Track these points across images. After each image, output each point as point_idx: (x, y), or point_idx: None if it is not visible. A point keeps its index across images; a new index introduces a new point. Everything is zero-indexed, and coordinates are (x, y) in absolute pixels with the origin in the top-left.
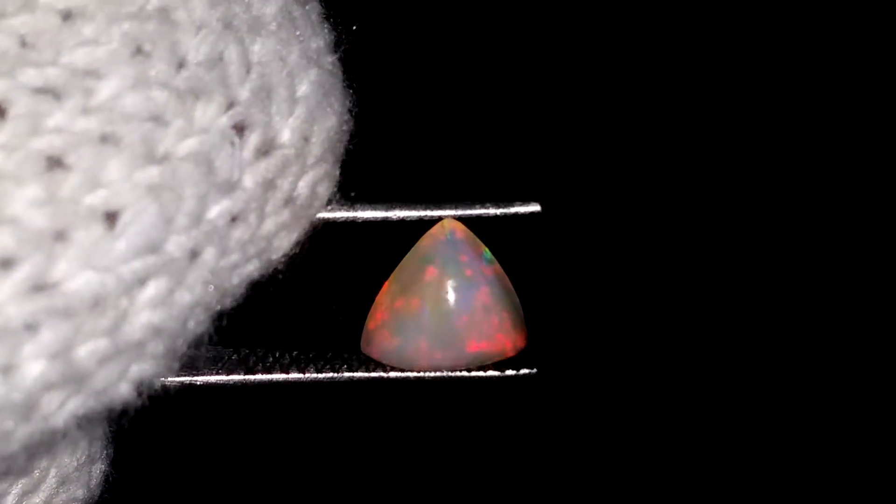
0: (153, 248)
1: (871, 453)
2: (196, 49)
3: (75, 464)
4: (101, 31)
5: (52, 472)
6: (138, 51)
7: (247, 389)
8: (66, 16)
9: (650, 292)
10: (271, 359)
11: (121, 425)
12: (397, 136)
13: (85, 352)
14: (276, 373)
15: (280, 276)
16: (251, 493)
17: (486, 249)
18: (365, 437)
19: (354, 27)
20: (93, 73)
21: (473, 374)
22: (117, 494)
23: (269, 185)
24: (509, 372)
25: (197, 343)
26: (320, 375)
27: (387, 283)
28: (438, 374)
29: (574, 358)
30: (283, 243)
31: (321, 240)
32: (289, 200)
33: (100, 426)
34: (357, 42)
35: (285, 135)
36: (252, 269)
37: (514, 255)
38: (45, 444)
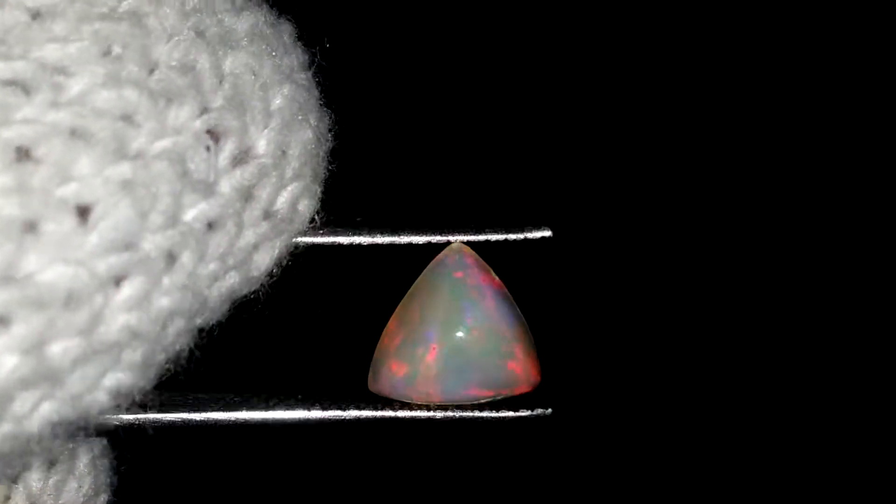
0: (128, 244)
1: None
2: (168, 54)
3: (82, 499)
4: (71, 30)
5: None
6: (109, 51)
7: (249, 429)
8: (36, 14)
9: (670, 322)
10: (275, 397)
11: (122, 464)
12: (405, 160)
13: (59, 349)
14: (280, 410)
15: (271, 299)
16: None
17: (496, 276)
18: (371, 479)
19: (328, 44)
20: (63, 70)
21: (486, 414)
22: None
23: (246, 193)
24: (523, 412)
25: (177, 359)
26: (326, 414)
27: (395, 312)
28: (449, 413)
29: (591, 396)
30: (265, 259)
31: (326, 266)
32: (268, 213)
33: (105, 458)
34: (366, 67)
35: (261, 145)
36: (232, 282)
37: (525, 282)
38: (18, 454)
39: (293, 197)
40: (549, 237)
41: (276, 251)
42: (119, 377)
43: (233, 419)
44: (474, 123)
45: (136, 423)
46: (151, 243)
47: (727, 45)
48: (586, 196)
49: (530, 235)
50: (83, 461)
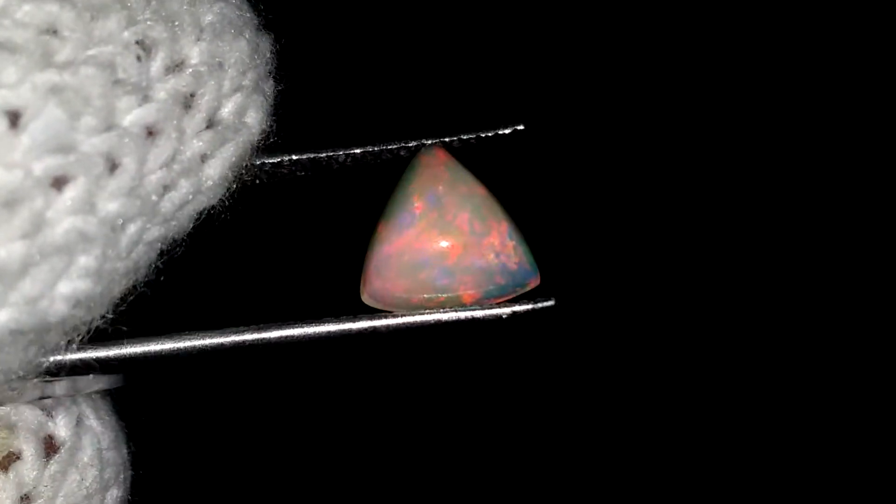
0: (63, 146)
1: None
2: None
3: (84, 492)
4: None
5: (60, 500)
6: None
7: (246, 350)
8: None
9: (658, 206)
10: (268, 318)
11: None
12: (368, 70)
13: (3, 252)
14: (274, 330)
15: (249, 224)
16: (252, 464)
17: (472, 174)
18: (373, 388)
19: None
20: None
21: (487, 311)
22: None
23: (184, 100)
24: (526, 305)
25: (143, 274)
26: (322, 329)
27: (379, 223)
28: (450, 314)
29: (590, 287)
30: (216, 168)
31: (304, 185)
32: (212, 122)
33: (116, 450)
34: None
35: (194, 54)
36: (185, 192)
37: (504, 181)
38: None
39: (237, 107)
40: (523, 131)
41: (228, 161)
42: (75, 284)
43: (232, 342)
44: (433, 26)
45: (124, 355)
46: (89, 146)
47: None
48: (560, 84)
49: (503, 131)
50: (88, 452)
